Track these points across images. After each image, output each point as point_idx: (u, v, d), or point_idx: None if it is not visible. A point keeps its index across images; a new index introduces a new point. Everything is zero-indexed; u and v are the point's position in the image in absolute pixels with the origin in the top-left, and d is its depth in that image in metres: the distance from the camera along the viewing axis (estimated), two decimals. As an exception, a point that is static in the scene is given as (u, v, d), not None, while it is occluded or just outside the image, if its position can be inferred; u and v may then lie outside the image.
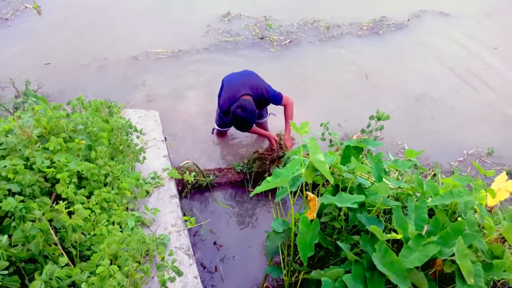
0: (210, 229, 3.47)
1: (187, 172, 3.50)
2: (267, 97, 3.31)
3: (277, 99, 3.41)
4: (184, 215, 3.43)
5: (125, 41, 5.63)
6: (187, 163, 3.59)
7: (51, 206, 1.94)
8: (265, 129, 4.29)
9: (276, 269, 2.87)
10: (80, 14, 6.22)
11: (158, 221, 2.35)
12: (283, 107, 3.55)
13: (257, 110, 3.22)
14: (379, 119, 3.04)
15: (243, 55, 5.41)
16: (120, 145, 2.54)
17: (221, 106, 3.38)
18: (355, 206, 2.50)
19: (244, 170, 3.80)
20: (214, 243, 3.38)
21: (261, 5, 6.38)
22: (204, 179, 3.62)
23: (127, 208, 2.25)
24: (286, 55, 5.47)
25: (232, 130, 4.34)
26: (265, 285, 3.08)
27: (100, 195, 2.04)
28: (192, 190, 3.67)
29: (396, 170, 3.54)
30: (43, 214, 1.67)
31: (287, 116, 3.55)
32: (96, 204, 2.02)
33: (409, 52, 5.53)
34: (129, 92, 4.76)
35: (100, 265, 1.49)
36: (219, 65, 5.13)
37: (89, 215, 1.86)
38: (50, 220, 1.78)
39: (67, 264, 1.49)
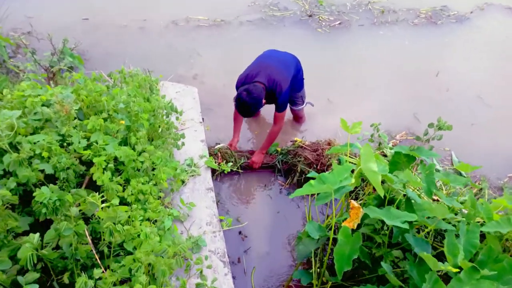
0: (237, 217, 3.32)
1: (219, 154, 3.33)
2: (276, 97, 3.15)
3: (281, 107, 3.26)
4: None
5: (166, 4, 5.35)
6: (221, 145, 3.40)
7: (87, 190, 1.79)
8: (300, 117, 4.08)
9: (305, 275, 2.71)
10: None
11: (193, 217, 2.20)
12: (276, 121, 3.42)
13: (264, 100, 3.08)
14: (440, 128, 2.76)
15: (288, 33, 5.07)
16: (159, 127, 2.36)
17: (237, 80, 3.23)
18: (405, 226, 2.28)
19: (277, 154, 3.62)
20: (240, 233, 3.24)
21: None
22: (235, 164, 3.44)
23: (162, 203, 2.09)
24: (334, 38, 5.10)
25: (266, 111, 4.12)
26: (289, 284, 2.95)
27: (137, 185, 1.88)
28: (221, 173, 3.51)
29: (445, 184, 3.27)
30: (79, 206, 1.52)
31: (270, 133, 3.46)
32: (132, 194, 1.86)
33: (468, 48, 5.08)
34: (169, 59, 4.54)
35: (134, 275, 1.35)
36: (261, 41, 4.83)
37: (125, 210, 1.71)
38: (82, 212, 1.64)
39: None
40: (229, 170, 3.06)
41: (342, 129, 3.97)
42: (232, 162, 3.41)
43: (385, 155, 3.68)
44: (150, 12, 5.17)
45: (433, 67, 4.75)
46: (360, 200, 3.30)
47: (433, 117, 3.25)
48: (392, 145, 3.88)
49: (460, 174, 3.80)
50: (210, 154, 3.31)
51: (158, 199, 2.02)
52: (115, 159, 2.05)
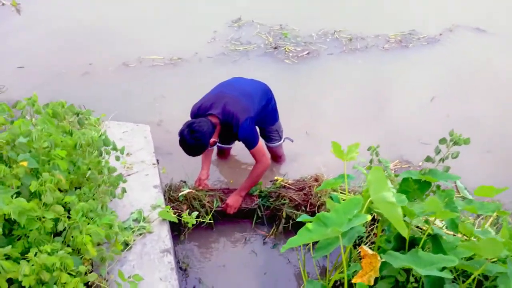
0: (211, 286, 2.56)
1: (186, 204, 2.62)
2: (234, 131, 2.64)
3: (247, 142, 2.73)
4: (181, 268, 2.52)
5: (114, 46, 4.81)
6: (188, 190, 2.69)
7: None
8: (279, 156, 3.47)
9: None
10: (63, 15, 5.41)
11: (140, 297, 1.45)
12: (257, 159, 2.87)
13: (213, 139, 2.60)
14: (455, 143, 2.21)
15: (254, 66, 4.61)
16: (89, 169, 1.67)
17: (191, 111, 2.76)
18: (448, 275, 1.62)
19: (259, 195, 2.96)
20: (218, 307, 2.49)
21: (276, 13, 5.62)
22: (205, 213, 2.72)
23: (85, 282, 1.34)
24: (304, 68, 4.67)
25: (238, 149, 3.51)
26: None
27: (38, 257, 1.15)
28: (188, 228, 2.77)
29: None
30: None
31: (252, 173, 2.86)
32: (27, 275, 1.13)
33: (449, 69, 4.77)
34: (125, 105, 3.88)
35: None
36: (226, 77, 4.30)
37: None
38: None
39: None
40: (195, 223, 2.36)
41: (325, 165, 3.31)
42: (201, 210, 2.70)
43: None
44: (94, 55, 4.59)
45: (422, 91, 4.39)
46: (365, 244, 2.64)
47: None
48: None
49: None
50: (172, 203, 2.60)
51: (82, 275, 1.29)
52: (9, 222, 1.33)
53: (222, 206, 2.80)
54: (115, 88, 4.22)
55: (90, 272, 1.52)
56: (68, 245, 1.42)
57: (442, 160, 2.31)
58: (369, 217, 1.64)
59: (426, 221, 2.09)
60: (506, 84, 4.54)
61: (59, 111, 1.64)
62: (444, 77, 4.61)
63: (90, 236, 1.30)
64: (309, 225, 1.77)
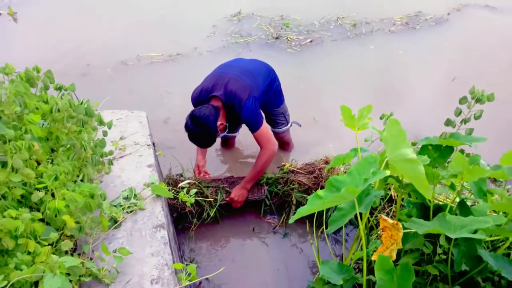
0: (220, 284, 2.37)
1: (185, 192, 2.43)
2: (237, 112, 2.43)
3: (250, 122, 2.49)
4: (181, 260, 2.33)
5: (112, 45, 4.69)
6: (188, 181, 2.50)
7: None
8: (286, 142, 3.26)
9: None
10: (61, 17, 5.35)
11: (127, 274, 1.26)
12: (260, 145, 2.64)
13: (220, 122, 2.41)
14: (477, 101, 1.99)
15: (256, 56, 4.43)
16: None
17: (191, 97, 2.62)
18: (482, 236, 1.40)
19: (266, 183, 2.75)
20: (227, 299, 2.28)
21: (276, 4, 5.48)
22: (210, 206, 2.52)
23: (57, 252, 1.15)
24: (308, 55, 4.49)
25: (242, 138, 3.32)
26: None
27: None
28: (195, 226, 2.58)
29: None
30: None
31: (257, 162, 2.61)
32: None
33: (464, 48, 4.55)
34: (120, 101, 3.76)
35: None
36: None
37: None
38: None
39: None
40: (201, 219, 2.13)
41: (336, 151, 3.12)
42: (204, 204, 2.51)
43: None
44: (90, 57, 4.48)
45: (440, 72, 4.17)
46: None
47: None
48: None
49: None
50: (172, 200, 2.41)
51: (52, 246, 1.11)
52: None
53: (227, 199, 2.61)
54: (117, 86, 4.09)
55: (74, 251, 1.34)
56: (45, 220, 1.24)
57: (464, 121, 2.09)
58: (388, 172, 1.42)
59: (452, 186, 1.86)
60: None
61: (33, 76, 1.49)
62: (460, 56, 4.40)
63: (65, 201, 1.12)
64: (319, 191, 1.57)
